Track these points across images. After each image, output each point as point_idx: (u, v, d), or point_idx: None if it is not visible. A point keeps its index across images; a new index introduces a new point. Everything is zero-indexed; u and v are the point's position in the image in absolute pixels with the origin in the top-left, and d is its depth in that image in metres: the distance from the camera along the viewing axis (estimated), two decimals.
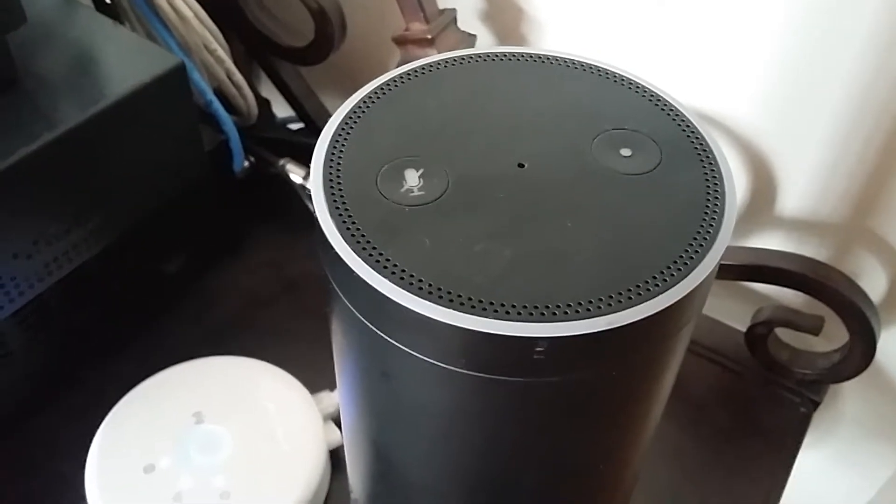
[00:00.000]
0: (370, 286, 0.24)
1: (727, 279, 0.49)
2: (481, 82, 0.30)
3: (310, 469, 0.43)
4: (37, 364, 0.47)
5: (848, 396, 0.57)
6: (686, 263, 0.24)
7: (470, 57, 0.31)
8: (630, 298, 0.23)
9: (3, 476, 0.45)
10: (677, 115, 0.29)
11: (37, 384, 0.48)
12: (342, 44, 0.54)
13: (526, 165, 0.27)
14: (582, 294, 0.23)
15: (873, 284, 0.50)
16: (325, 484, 0.44)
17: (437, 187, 0.26)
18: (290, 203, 0.55)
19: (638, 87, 0.30)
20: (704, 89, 0.50)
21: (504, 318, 0.23)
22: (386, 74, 0.30)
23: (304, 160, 0.56)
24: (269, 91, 0.62)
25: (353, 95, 0.29)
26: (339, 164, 0.27)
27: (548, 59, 0.31)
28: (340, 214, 0.25)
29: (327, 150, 0.27)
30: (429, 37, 0.50)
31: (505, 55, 0.31)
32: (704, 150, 0.27)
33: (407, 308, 0.23)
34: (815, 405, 0.51)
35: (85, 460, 0.43)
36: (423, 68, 0.30)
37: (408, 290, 0.23)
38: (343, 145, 0.28)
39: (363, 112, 0.29)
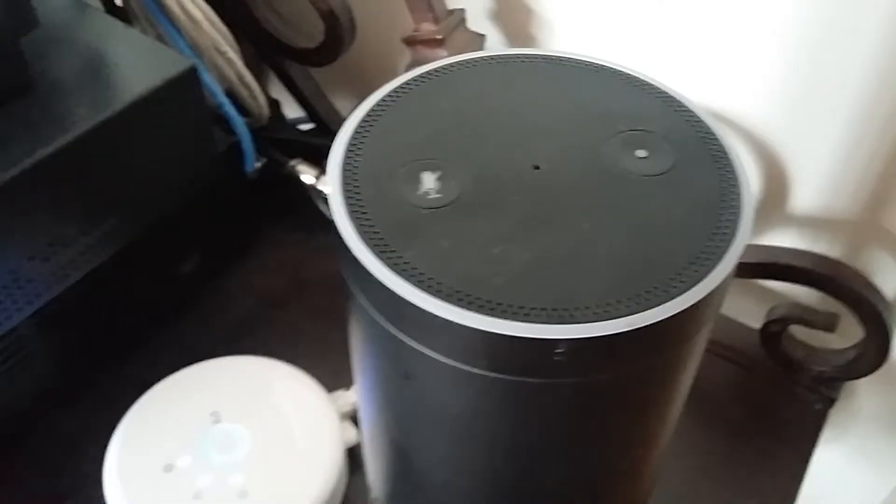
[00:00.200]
0: (389, 289, 0.24)
1: (741, 277, 0.49)
2: (495, 84, 0.30)
3: (327, 467, 0.43)
4: (55, 365, 0.47)
5: (864, 393, 0.57)
6: (704, 265, 0.24)
7: (483, 59, 0.31)
8: (649, 300, 0.23)
9: (23, 476, 0.46)
10: (692, 115, 0.29)
11: (55, 385, 0.48)
12: (352, 45, 0.55)
13: (541, 167, 0.27)
14: (601, 296, 0.23)
15: (887, 281, 0.50)
16: (343, 482, 0.45)
17: (454, 189, 0.26)
18: (301, 203, 0.55)
19: (652, 87, 0.30)
20: (717, 87, 0.50)
21: (524, 320, 0.23)
22: (399, 78, 0.30)
23: (315, 160, 0.56)
24: (279, 92, 0.62)
25: (368, 99, 0.29)
26: (355, 167, 0.27)
27: (561, 60, 0.31)
28: (358, 218, 0.26)
29: (344, 154, 0.28)
30: (438, 37, 0.50)
31: (518, 57, 0.31)
32: (720, 151, 0.27)
33: (426, 311, 0.23)
34: (831, 402, 0.51)
35: (104, 460, 0.43)
36: (437, 71, 0.30)
37: (427, 293, 0.24)
38: (359, 149, 0.28)
39: (378, 116, 0.29)
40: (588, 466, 0.29)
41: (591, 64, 0.31)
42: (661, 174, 0.27)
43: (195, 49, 0.52)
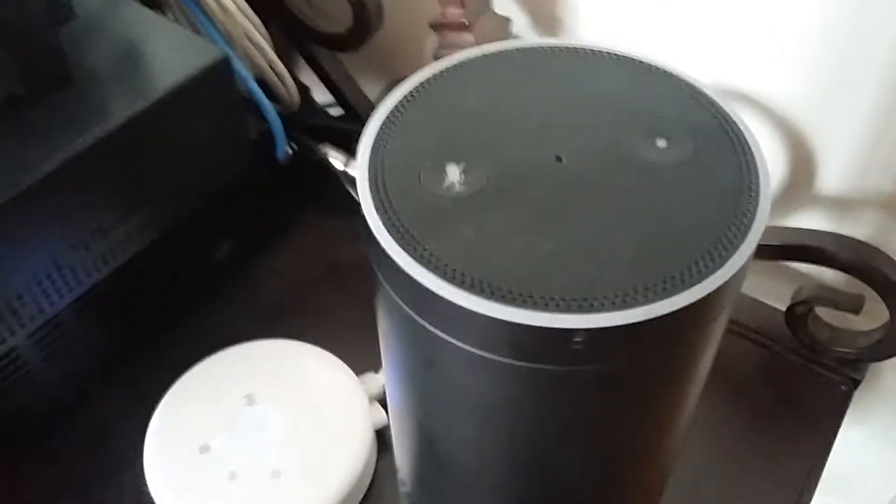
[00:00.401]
0: (413, 279, 0.25)
1: (767, 259, 0.49)
2: (519, 75, 0.31)
3: (357, 448, 0.44)
4: (95, 349, 0.49)
5: (889, 375, 0.57)
6: (721, 254, 0.25)
7: (507, 50, 0.31)
8: (665, 289, 0.24)
9: (66, 457, 0.48)
10: (712, 105, 0.29)
11: (95, 369, 0.50)
12: (379, 30, 0.55)
13: (563, 158, 0.28)
14: (619, 285, 0.24)
15: None
16: (372, 462, 0.46)
17: (478, 181, 0.27)
18: (332, 188, 0.56)
19: (672, 76, 0.30)
20: (745, 68, 0.50)
21: (543, 309, 0.24)
22: (424, 70, 0.31)
23: (345, 146, 0.57)
24: (308, 78, 0.63)
25: (394, 92, 0.30)
26: (382, 159, 0.28)
27: (583, 50, 0.31)
28: (385, 209, 0.26)
29: (372, 147, 0.28)
30: (465, 21, 0.51)
31: (542, 48, 0.31)
32: (739, 140, 0.28)
33: (448, 300, 0.24)
34: (856, 384, 0.51)
35: (143, 442, 0.45)
36: (462, 63, 0.31)
37: (450, 283, 0.24)
38: (386, 142, 0.28)
39: (405, 108, 0.30)
40: (607, 451, 0.30)
41: (614, 54, 0.31)
42: (681, 163, 0.27)
43: (227, 37, 0.53)
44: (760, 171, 0.27)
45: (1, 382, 0.44)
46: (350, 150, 0.57)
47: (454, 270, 0.25)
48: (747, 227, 0.25)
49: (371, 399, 0.47)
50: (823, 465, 0.48)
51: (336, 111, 0.64)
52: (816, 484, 0.47)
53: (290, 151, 0.57)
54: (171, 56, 0.47)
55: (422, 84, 0.30)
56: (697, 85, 0.30)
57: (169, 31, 0.49)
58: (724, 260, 0.25)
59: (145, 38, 0.48)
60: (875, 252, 0.47)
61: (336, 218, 0.58)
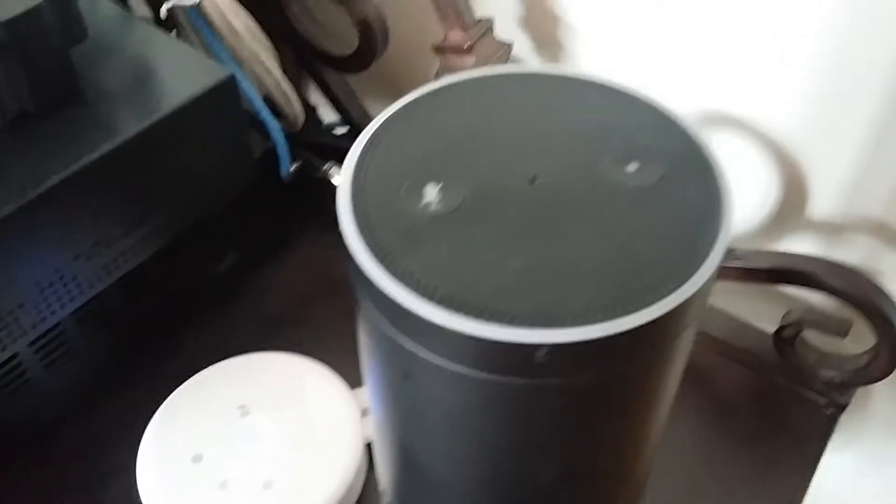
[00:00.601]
0: (387, 295, 0.26)
1: (758, 282, 0.50)
2: (499, 100, 0.32)
3: (348, 460, 0.45)
4: (96, 359, 0.50)
5: (877, 399, 0.57)
6: (682, 274, 0.26)
7: (489, 76, 0.33)
8: (626, 307, 0.25)
9: (62, 463, 0.49)
10: (684, 131, 0.30)
11: (96, 377, 0.51)
12: (385, 52, 0.57)
13: (537, 180, 0.29)
14: (583, 302, 0.25)
15: None
16: (362, 474, 0.47)
17: (454, 200, 0.28)
18: (335, 205, 0.58)
19: (647, 104, 0.31)
20: (738, 92, 0.51)
21: (509, 325, 0.25)
22: (409, 94, 0.32)
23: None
24: (316, 97, 0.65)
25: (380, 115, 0.31)
26: (364, 178, 0.29)
27: (562, 77, 0.32)
28: (364, 226, 0.28)
29: (355, 166, 0.30)
30: (466, 45, 0.52)
31: (521, 74, 0.33)
32: (707, 166, 0.29)
33: (420, 315, 0.25)
34: (842, 408, 0.52)
35: (138, 450, 0.46)
36: (445, 87, 0.32)
37: (422, 299, 0.26)
38: (369, 161, 0.30)
39: (389, 129, 0.31)
40: (576, 464, 0.31)
41: (591, 81, 0.32)
42: (650, 187, 0.28)
43: (236, 58, 0.55)
44: (725, 197, 0.28)
45: (1, 389, 0.46)
46: None
47: (427, 286, 0.26)
48: (709, 248, 0.26)
49: (364, 413, 0.48)
50: (807, 486, 0.48)
51: (342, 130, 0.66)
52: None
53: (294, 169, 0.58)
54: (179, 75, 0.48)
55: (407, 106, 0.32)
56: (670, 112, 0.31)
57: (178, 52, 0.50)
58: (683, 280, 0.26)
59: (155, 57, 0.49)
60: (862, 277, 0.48)
61: (337, 234, 0.59)
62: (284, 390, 0.48)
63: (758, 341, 0.54)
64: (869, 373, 0.50)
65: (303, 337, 0.54)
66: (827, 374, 0.51)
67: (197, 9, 0.52)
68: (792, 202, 0.53)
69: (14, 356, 0.45)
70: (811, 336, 0.52)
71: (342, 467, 0.45)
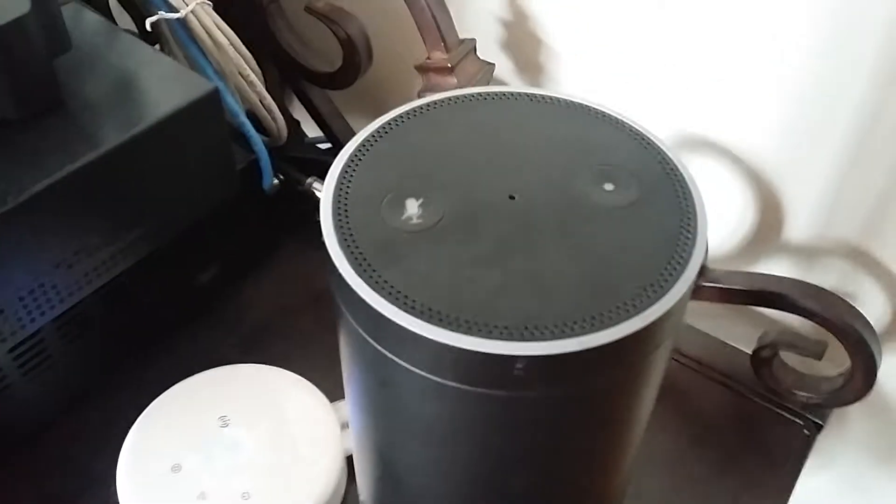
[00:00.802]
0: (368, 304, 0.26)
1: (733, 302, 0.50)
2: (479, 119, 0.33)
3: (327, 473, 0.46)
4: (75, 367, 0.50)
5: (853, 421, 0.58)
6: (657, 291, 0.26)
7: (470, 96, 0.33)
8: (602, 322, 0.25)
9: (41, 472, 0.49)
10: (659, 153, 0.31)
11: (75, 386, 0.51)
12: (368, 70, 0.57)
13: (516, 197, 0.29)
14: (559, 317, 0.26)
15: (877, 310, 0.52)
16: (342, 487, 0.47)
17: (435, 215, 0.29)
18: (316, 219, 0.58)
19: (624, 125, 0.32)
20: (716, 119, 0.52)
21: (487, 336, 0.25)
22: (392, 112, 0.32)
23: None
24: (300, 112, 0.65)
25: (362, 131, 0.32)
26: (347, 192, 0.30)
27: (542, 98, 0.33)
28: (345, 238, 0.28)
29: (337, 180, 0.30)
30: (449, 65, 0.53)
31: (503, 94, 0.33)
32: (682, 187, 0.29)
33: (399, 325, 0.26)
34: (819, 428, 0.52)
35: (117, 459, 0.46)
36: (428, 105, 0.33)
37: (401, 309, 0.26)
38: (352, 175, 0.30)
39: (371, 145, 0.31)
40: (550, 476, 0.31)
41: (571, 102, 0.33)
42: (626, 206, 0.29)
43: (220, 72, 0.55)
44: (699, 216, 0.28)
45: None
46: None
47: (406, 297, 0.26)
48: (683, 267, 0.27)
49: (343, 426, 0.48)
50: None
51: (325, 145, 0.66)
52: None
53: (277, 182, 0.59)
54: (163, 88, 0.48)
55: (389, 123, 0.32)
56: (648, 134, 0.31)
57: (162, 64, 0.50)
58: (659, 296, 0.26)
59: (139, 70, 0.49)
60: (837, 300, 0.48)
61: (319, 248, 0.59)
62: (265, 402, 0.48)
63: (735, 362, 0.54)
64: (844, 395, 0.50)
65: (284, 349, 0.54)
66: (803, 395, 0.52)
67: (181, 22, 0.52)
68: (768, 225, 0.54)
69: None
70: (788, 357, 0.52)
71: (321, 480, 0.45)
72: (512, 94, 0.33)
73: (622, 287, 0.26)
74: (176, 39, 0.55)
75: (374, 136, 0.32)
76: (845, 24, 0.44)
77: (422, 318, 0.26)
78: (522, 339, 0.25)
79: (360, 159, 0.31)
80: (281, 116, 0.58)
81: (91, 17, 0.53)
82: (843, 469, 0.61)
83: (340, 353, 0.32)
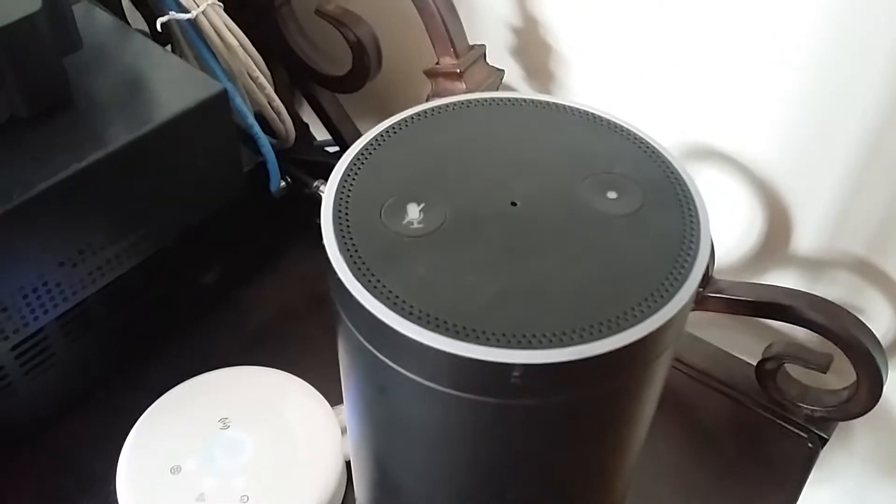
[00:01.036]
0: (366, 310, 0.26)
1: (740, 314, 0.50)
2: (483, 125, 0.32)
3: (326, 476, 0.45)
4: (77, 366, 0.50)
5: (858, 435, 0.57)
6: (658, 300, 0.26)
7: (474, 101, 0.33)
8: (602, 331, 0.25)
9: (42, 471, 0.49)
10: (663, 161, 0.30)
11: (77, 385, 0.51)
12: (378, 74, 0.57)
13: (518, 204, 0.29)
14: (558, 326, 0.25)
15: (882, 324, 0.51)
16: (341, 491, 0.47)
17: (436, 221, 0.28)
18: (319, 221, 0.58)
19: (629, 133, 0.32)
20: (723, 128, 0.51)
21: (484, 344, 0.25)
22: (396, 116, 0.32)
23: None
24: (309, 115, 0.65)
25: (365, 135, 0.32)
26: (348, 196, 0.29)
27: (546, 104, 0.33)
28: (345, 243, 0.28)
29: (339, 184, 0.30)
30: (458, 71, 0.53)
31: (507, 100, 0.33)
32: (686, 196, 0.29)
33: (397, 331, 0.25)
34: (823, 441, 0.52)
35: (117, 459, 0.46)
36: (431, 110, 0.33)
37: (400, 315, 0.26)
38: (353, 179, 0.30)
39: (374, 149, 0.31)
40: (548, 485, 0.31)
41: (575, 109, 0.33)
42: (629, 214, 0.29)
43: (229, 73, 0.55)
44: (702, 226, 0.28)
45: None
46: None
47: (405, 303, 0.26)
48: (685, 277, 0.27)
49: (344, 430, 0.48)
50: None
51: (333, 148, 0.66)
52: None
53: (284, 184, 0.59)
54: (172, 88, 0.48)
55: (393, 127, 0.32)
56: (653, 143, 0.31)
57: (172, 65, 0.51)
58: (660, 306, 0.26)
59: (149, 70, 0.50)
60: (843, 313, 0.48)
61: (323, 251, 0.60)
62: (265, 405, 0.48)
63: (740, 373, 0.54)
64: (849, 408, 0.50)
65: (286, 353, 0.54)
66: (808, 407, 0.51)
67: (192, 23, 0.52)
68: (774, 236, 0.54)
69: None
70: (793, 369, 0.52)
71: (321, 484, 0.45)
72: (517, 100, 0.33)
73: (623, 296, 0.26)
74: (186, 40, 0.55)
75: (377, 139, 0.31)
76: (852, 31, 0.44)
77: (420, 325, 0.25)
78: (520, 346, 0.25)
79: (362, 163, 0.31)
80: (289, 119, 0.58)
81: (102, 16, 0.53)
82: (846, 483, 0.60)
83: (339, 358, 0.32)
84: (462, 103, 0.33)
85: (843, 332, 0.47)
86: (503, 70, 0.55)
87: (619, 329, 0.25)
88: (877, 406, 0.49)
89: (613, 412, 0.29)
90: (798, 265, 0.54)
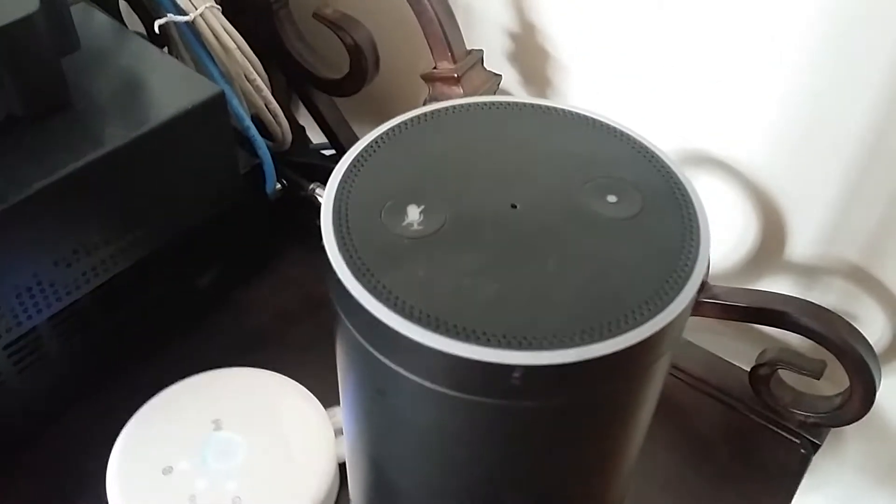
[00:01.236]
0: (366, 310, 0.26)
1: (733, 319, 0.50)
2: (484, 128, 0.32)
3: (319, 479, 0.45)
4: (70, 366, 0.50)
5: (850, 442, 0.58)
6: (658, 303, 0.26)
7: (475, 104, 0.33)
8: (602, 333, 0.25)
9: (33, 471, 0.48)
10: (662, 165, 0.31)
11: (69, 385, 0.50)
12: (375, 78, 0.57)
13: (518, 206, 0.29)
14: (559, 327, 0.25)
15: (876, 331, 0.52)
16: (334, 494, 0.47)
17: (436, 223, 0.29)
18: (318, 225, 0.58)
19: (628, 138, 0.32)
20: (717, 133, 0.52)
21: (485, 345, 0.25)
22: (396, 118, 0.32)
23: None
24: (305, 118, 0.65)
25: (366, 136, 0.32)
26: (348, 197, 0.30)
27: (546, 108, 0.33)
28: (345, 243, 0.28)
29: (339, 185, 0.30)
30: (455, 75, 0.53)
31: (506, 104, 0.33)
32: (685, 200, 0.29)
33: (397, 332, 0.25)
34: (816, 447, 0.52)
35: (108, 459, 0.46)
36: (432, 113, 0.33)
37: (400, 316, 0.26)
38: (353, 181, 0.30)
39: (374, 151, 0.31)
40: (546, 487, 0.31)
41: (575, 114, 0.33)
42: (629, 218, 0.29)
43: (226, 75, 0.55)
44: (702, 230, 0.28)
45: None
46: None
47: (405, 304, 0.26)
48: (684, 281, 0.27)
49: (337, 433, 0.48)
50: None
51: (329, 152, 0.66)
52: None
53: (280, 187, 0.58)
54: (169, 90, 0.48)
55: (393, 129, 0.32)
56: (652, 147, 0.31)
57: (169, 67, 0.51)
58: (659, 309, 0.26)
59: (146, 71, 0.50)
60: (837, 319, 0.48)
61: (319, 253, 0.59)
62: (259, 407, 0.48)
63: (733, 379, 0.54)
64: (842, 415, 0.50)
65: (280, 355, 0.54)
66: (801, 413, 0.51)
67: (189, 25, 0.52)
68: (770, 243, 0.54)
69: None
70: (786, 376, 0.52)
71: (314, 486, 0.45)
72: (516, 104, 0.33)
73: (623, 298, 0.26)
74: (184, 42, 0.55)
75: (377, 141, 0.32)
76: (851, 35, 0.44)
77: (420, 325, 0.26)
78: (520, 347, 0.25)
79: (362, 164, 0.31)
80: (286, 121, 0.58)
81: (100, 18, 0.53)
82: (836, 490, 0.61)
83: (337, 359, 0.32)
84: (462, 107, 0.33)
85: (838, 338, 0.47)
86: (500, 75, 0.55)
87: (620, 331, 0.25)
88: (868, 413, 0.49)
89: (612, 415, 0.29)
90: (793, 271, 0.54)
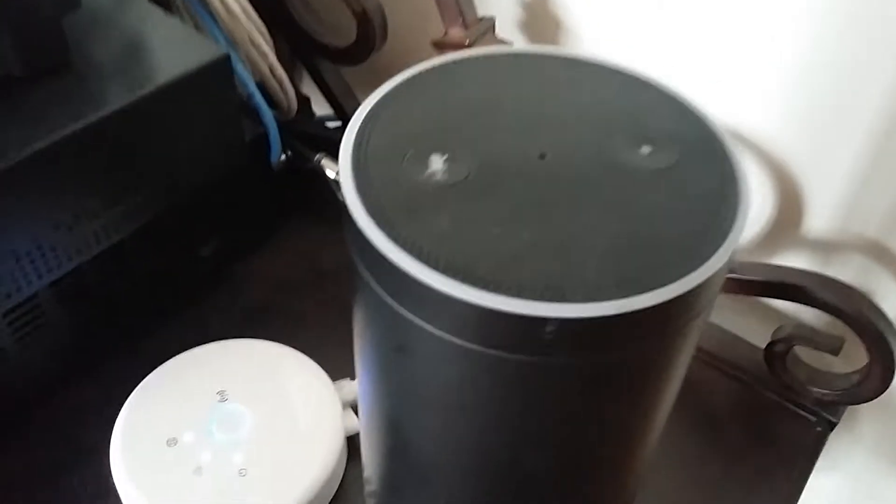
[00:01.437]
0: (389, 261, 0.25)
1: (751, 294, 0.49)
2: (511, 77, 0.31)
3: (326, 452, 0.44)
4: (71, 335, 0.48)
5: (866, 420, 0.57)
6: (697, 257, 0.25)
7: (500, 54, 0.32)
8: (640, 286, 0.24)
9: (33, 442, 0.47)
10: (699, 117, 0.29)
11: (70, 355, 0.49)
12: (383, 46, 0.56)
13: (547, 156, 0.28)
14: (593, 279, 0.24)
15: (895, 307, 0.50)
16: (341, 467, 0.45)
17: (460, 172, 0.27)
18: (323, 197, 0.57)
19: (663, 89, 0.30)
20: (735, 104, 0.50)
21: (516, 296, 0.24)
22: (416, 66, 0.31)
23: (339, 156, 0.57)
24: (310, 89, 0.64)
25: (384, 84, 0.30)
26: (367, 146, 0.28)
27: (577, 59, 0.32)
28: (365, 193, 0.26)
29: (357, 132, 0.29)
30: (466, 42, 0.52)
31: (534, 54, 0.32)
32: (721, 151, 0.28)
33: (422, 283, 0.24)
34: (832, 425, 0.51)
35: (112, 431, 0.44)
36: (454, 63, 0.31)
37: (425, 265, 0.24)
38: (372, 130, 0.29)
39: (393, 100, 0.30)
40: (573, 450, 0.30)
41: (606, 65, 0.32)
42: (664, 170, 0.27)
43: (230, 40, 0.53)
44: (740, 182, 0.27)
45: None
46: None
47: (430, 253, 0.25)
48: (725, 234, 0.26)
49: (344, 405, 0.47)
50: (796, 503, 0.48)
51: (335, 123, 0.65)
52: None
53: (284, 157, 0.57)
54: (173, 51, 0.47)
55: (413, 77, 0.31)
56: (684, 98, 0.30)
57: (173, 29, 0.49)
58: (698, 263, 0.25)
59: (149, 33, 0.48)
60: (857, 294, 0.47)
61: (326, 226, 0.58)
62: (264, 378, 0.47)
63: (749, 356, 0.53)
64: (860, 392, 0.49)
65: (285, 326, 0.52)
66: (817, 391, 0.50)
67: None
68: (787, 217, 0.53)
69: None
70: (802, 353, 0.51)
71: (321, 458, 0.44)
72: (543, 55, 0.32)
73: (660, 251, 0.25)
74: (186, 6, 0.54)
75: (397, 90, 0.30)
76: (870, 6, 0.43)
77: (446, 275, 0.24)
78: (555, 299, 0.24)
79: (381, 112, 0.29)
80: (291, 89, 0.57)
81: None
82: (852, 468, 0.60)
83: (354, 321, 0.31)
84: (486, 56, 0.32)
85: (857, 313, 0.46)
86: (512, 43, 0.54)
87: (661, 283, 0.24)
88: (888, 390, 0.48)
89: (646, 376, 0.28)
90: (810, 247, 0.53)
